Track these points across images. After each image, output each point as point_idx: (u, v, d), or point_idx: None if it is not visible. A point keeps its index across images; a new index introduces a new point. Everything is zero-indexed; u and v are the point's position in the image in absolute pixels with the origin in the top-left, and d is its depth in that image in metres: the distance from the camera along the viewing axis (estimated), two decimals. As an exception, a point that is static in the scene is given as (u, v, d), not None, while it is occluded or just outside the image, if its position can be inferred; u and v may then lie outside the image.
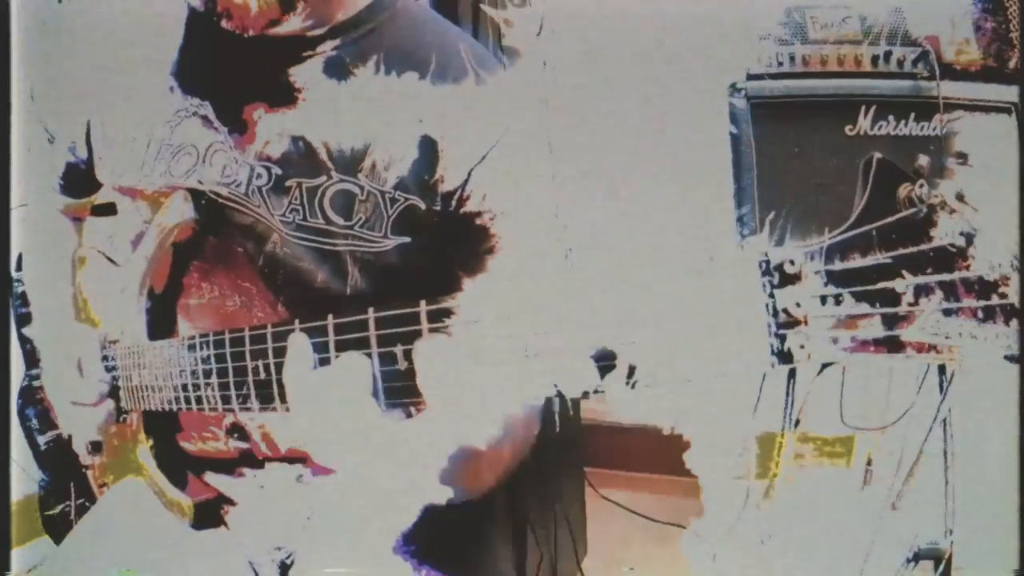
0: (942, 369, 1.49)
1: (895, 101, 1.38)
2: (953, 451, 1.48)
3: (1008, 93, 1.37)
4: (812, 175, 1.36)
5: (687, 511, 1.93)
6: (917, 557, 1.29)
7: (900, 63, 1.42)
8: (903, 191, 0.36)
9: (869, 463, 1.91)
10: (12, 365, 0.93)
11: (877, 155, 0.38)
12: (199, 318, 0.76)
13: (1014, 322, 0.34)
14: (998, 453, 1.77)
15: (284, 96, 0.73)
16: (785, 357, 0.36)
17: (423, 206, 0.72)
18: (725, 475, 1.95)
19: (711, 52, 1.72)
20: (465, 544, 0.80)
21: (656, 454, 2.06)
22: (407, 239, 0.72)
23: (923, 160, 0.37)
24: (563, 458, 1.42)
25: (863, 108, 1.41)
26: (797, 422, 1.55)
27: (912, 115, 1.37)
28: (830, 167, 1.46)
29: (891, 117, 1.37)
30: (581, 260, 1.66)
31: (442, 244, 0.73)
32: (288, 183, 0.72)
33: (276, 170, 0.73)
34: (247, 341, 0.57)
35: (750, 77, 1.49)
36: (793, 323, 0.36)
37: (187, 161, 0.74)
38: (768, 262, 0.36)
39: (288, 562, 0.77)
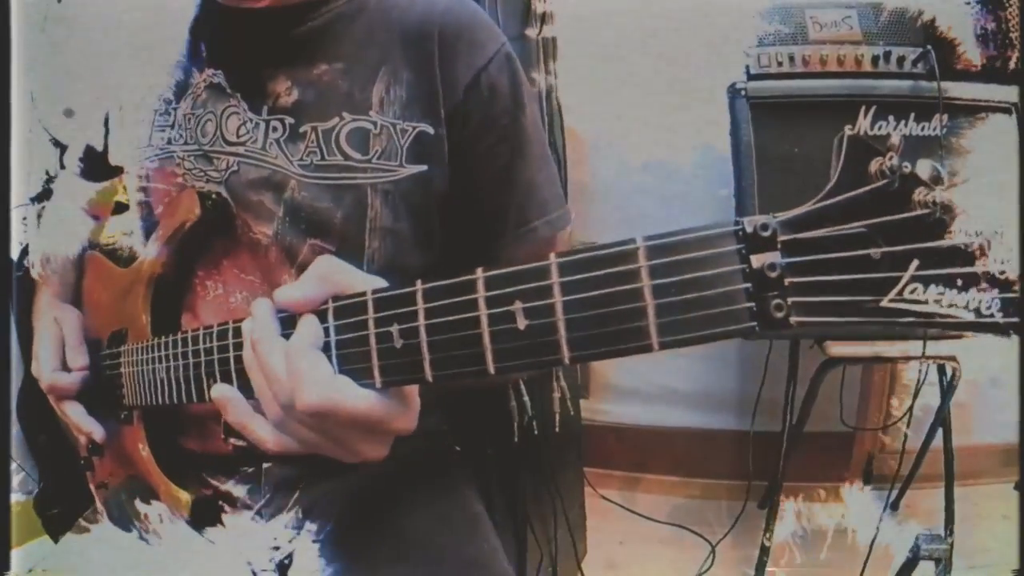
0: (942, 369, 1.49)
1: (895, 101, 1.38)
2: (953, 451, 1.48)
3: (1008, 93, 1.38)
4: (812, 175, 1.36)
5: (687, 511, 1.94)
6: (917, 557, 1.29)
7: (900, 63, 1.42)
8: (874, 165, 0.37)
9: (869, 463, 1.91)
10: (12, 365, 0.93)
11: (848, 132, 0.39)
12: (204, 315, 0.77)
13: (995, 291, 0.35)
14: (998, 453, 1.77)
15: (291, 55, 0.76)
16: (765, 321, 0.36)
17: (432, 131, 0.75)
18: (726, 475, 1.96)
19: (711, 52, 1.72)
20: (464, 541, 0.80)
21: (656, 454, 2.07)
22: (423, 167, 0.75)
23: (895, 138, 0.38)
24: (563, 458, 1.42)
25: (863, 108, 1.41)
26: (797, 422, 1.55)
27: (912, 115, 1.37)
28: (830, 167, 1.46)
29: (891, 117, 1.37)
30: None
31: (456, 170, 0.77)
32: (303, 129, 0.75)
33: (290, 120, 0.76)
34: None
35: (750, 77, 1.49)
36: (769, 286, 0.36)
37: (210, 127, 0.77)
38: (743, 229, 0.37)
39: (286, 562, 0.77)
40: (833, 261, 0.36)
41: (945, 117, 1.35)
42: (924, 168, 0.36)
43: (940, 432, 1.52)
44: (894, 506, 1.73)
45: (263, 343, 0.54)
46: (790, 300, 0.36)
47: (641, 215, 1.89)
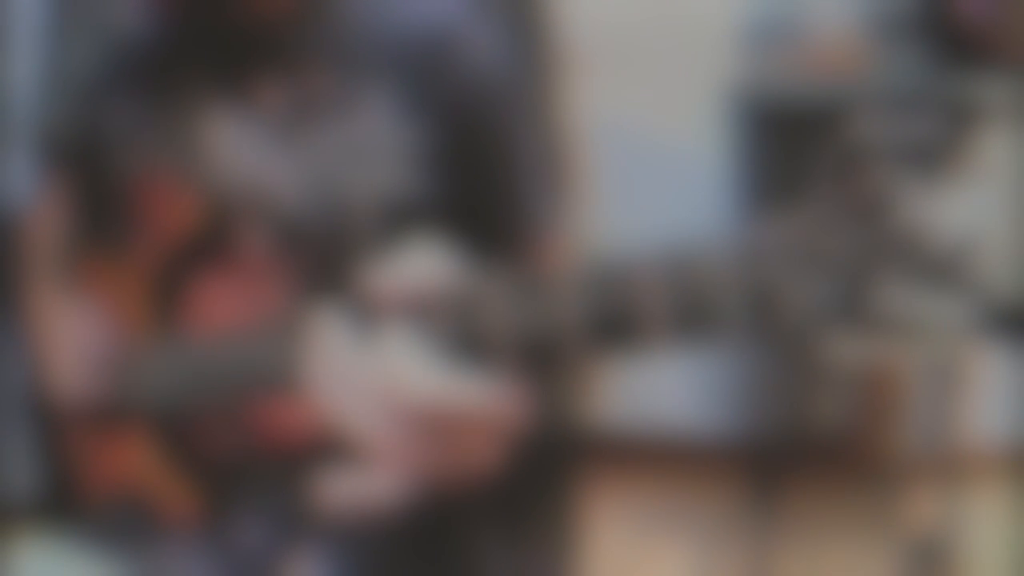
0: (942, 369, 1.49)
1: (895, 101, 1.38)
2: (953, 451, 1.48)
3: (1008, 93, 1.38)
4: (808, 173, 1.37)
5: (687, 511, 1.94)
6: (917, 557, 1.30)
7: (900, 63, 1.43)
8: (864, 174, 0.39)
9: (869, 463, 1.91)
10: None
11: (843, 144, 0.41)
12: (202, 318, 0.76)
13: (978, 297, 0.36)
14: (998, 453, 1.77)
15: (283, 57, 0.75)
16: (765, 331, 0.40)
17: (431, 138, 0.73)
18: (725, 475, 1.96)
19: (711, 51, 1.72)
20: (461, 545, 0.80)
21: (656, 454, 2.07)
22: (421, 176, 0.73)
23: (887, 143, 0.40)
24: (563, 458, 1.42)
25: (863, 109, 1.41)
26: (797, 423, 1.55)
27: (912, 115, 1.37)
28: (829, 168, 1.46)
29: (891, 117, 1.38)
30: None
31: (456, 179, 0.76)
32: (295, 136, 0.73)
33: (282, 126, 0.74)
34: (258, 335, 0.57)
35: (750, 78, 1.50)
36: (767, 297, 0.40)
37: (198, 130, 0.76)
38: (745, 245, 0.42)
39: (286, 562, 0.77)
40: (823, 272, 0.39)
41: (944, 117, 1.35)
42: (912, 176, 0.39)
43: (941, 432, 1.53)
44: (893, 506, 1.74)
45: (339, 362, 0.49)
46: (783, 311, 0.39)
47: (638, 209, 1.89)
